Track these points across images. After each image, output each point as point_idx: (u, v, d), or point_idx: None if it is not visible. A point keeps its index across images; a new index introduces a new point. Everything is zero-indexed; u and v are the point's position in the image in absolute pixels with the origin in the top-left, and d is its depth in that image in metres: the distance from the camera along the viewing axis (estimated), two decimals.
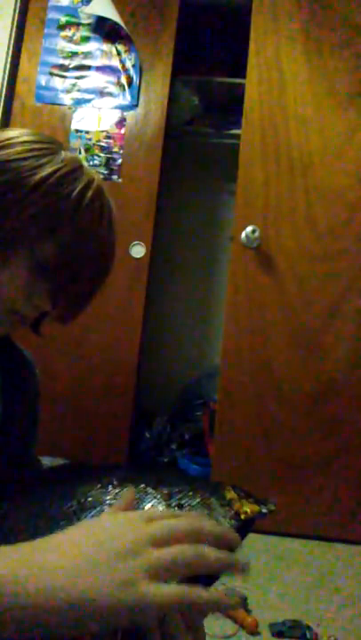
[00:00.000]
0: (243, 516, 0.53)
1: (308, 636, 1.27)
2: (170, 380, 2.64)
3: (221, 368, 1.99)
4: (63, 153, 0.67)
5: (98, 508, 0.51)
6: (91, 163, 2.13)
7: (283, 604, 1.43)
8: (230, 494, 0.55)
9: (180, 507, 0.52)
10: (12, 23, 2.17)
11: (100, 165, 2.13)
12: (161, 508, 0.51)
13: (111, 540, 0.41)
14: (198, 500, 0.53)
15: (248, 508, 0.54)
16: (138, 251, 2.08)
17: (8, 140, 0.65)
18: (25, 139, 0.66)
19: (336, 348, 1.94)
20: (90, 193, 0.66)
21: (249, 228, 1.93)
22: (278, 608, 1.40)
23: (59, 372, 2.02)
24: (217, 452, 1.96)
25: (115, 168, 2.14)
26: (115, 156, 2.14)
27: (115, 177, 2.13)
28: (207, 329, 2.69)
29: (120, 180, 2.13)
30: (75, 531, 0.44)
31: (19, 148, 0.65)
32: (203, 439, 2.28)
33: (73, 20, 2.20)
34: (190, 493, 0.53)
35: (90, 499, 0.52)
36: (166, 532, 0.43)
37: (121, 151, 2.14)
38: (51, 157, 0.65)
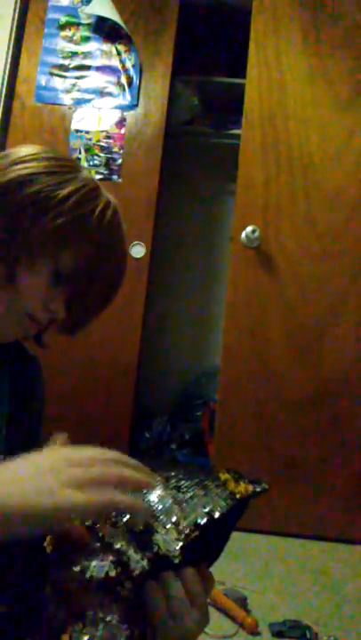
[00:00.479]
0: (238, 496, 0.54)
1: (308, 635, 1.27)
2: (170, 380, 2.64)
3: (221, 368, 1.99)
4: (84, 172, 0.73)
5: None
6: (91, 163, 2.13)
7: (283, 604, 1.43)
8: (225, 476, 0.57)
9: (178, 488, 0.53)
10: (12, 23, 2.17)
11: (100, 165, 2.13)
12: (159, 491, 0.53)
13: (36, 462, 0.48)
14: (195, 481, 0.55)
15: (242, 488, 0.56)
16: (138, 251, 2.08)
17: (31, 154, 0.70)
18: (47, 155, 0.71)
19: (336, 347, 1.94)
20: (109, 212, 0.72)
21: (249, 228, 1.93)
22: (278, 608, 1.40)
23: (59, 371, 2.02)
24: (217, 452, 1.96)
25: (115, 168, 2.14)
26: (115, 156, 2.14)
27: (115, 177, 2.13)
28: (207, 329, 2.69)
29: (120, 180, 2.13)
30: (11, 460, 0.50)
31: (44, 163, 0.69)
32: (203, 439, 2.28)
33: (73, 19, 2.20)
34: (186, 476, 0.55)
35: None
36: (85, 457, 0.50)
37: (121, 151, 2.14)
38: (74, 175, 0.70)
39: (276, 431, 1.92)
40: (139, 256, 2.08)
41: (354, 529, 1.88)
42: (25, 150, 0.71)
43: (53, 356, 1.94)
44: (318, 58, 2.03)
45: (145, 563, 0.48)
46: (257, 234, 1.93)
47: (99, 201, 0.71)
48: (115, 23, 2.13)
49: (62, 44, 2.20)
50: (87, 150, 2.14)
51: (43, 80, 2.19)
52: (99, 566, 0.47)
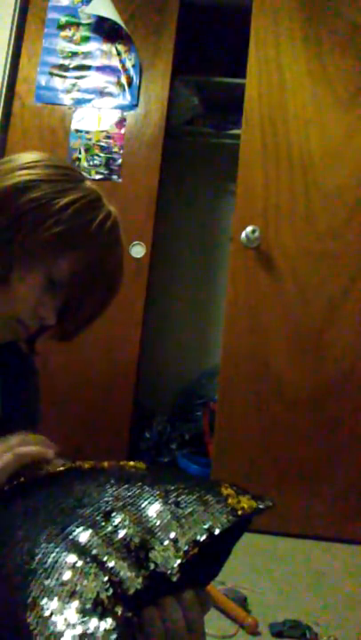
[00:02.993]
0: (240, 512, 0.52)
1: (308, 635, 1.27)
2: (170, 380, 2.64)
3: (221, 368, 1.99)
4: (87, 182, 0.73)
5: (95, 506, 0.51)
6: (91, 163, 2.13)
7: (283, 604, 1.43)
8: (227, 491, 0.54)
9: (177, 504, 0.51)
10: (12, 23, 2.17)
11: (100, 165, 2.13)
12: (158, 505, 0.51)
13: None
14: (195, 496, 0.52)
15: (245, 504, 0.53)
16: (138, 251, 2.08)
17: (35, 161, 0.70)
18: (50, 163, 0.71)
19: (336, 347, 1.94)
20: (109, 223, 0.71)
21: (249, 228, 1.93)
22: (278, 608, 1.40)
23: (59, 371, 2.02)
24: (217, 452, 1.96)
25: (115, 168, 2.14)
26: (115, 156, 2.14)
27: (115, 177, 2.13)
28: (207, 329, 2.69)
29: (120, 180, 2.13)
30: None
31: (47, 171, 0.69)
32: (203, 439, 2.28)
33: (73, 19, 2.20)
34: (187, 490, 0.53)
35: (87, 497, 0.52)
36: None
37: (121, 151, 2.14)
38: (76, 184, 0.71)
39: (276, 431, 1.92)
40: (139, 256, 2.08)
41: (353, 529, 1.88)
42: (29, 157, 0.71)
43: (53, 356, 1.94)
44: (318, 58, 2.03)
45: (140, 581, 0.45)
46: (257, 234, 1.93)
47: (99, 212, 0.71)
48: (115, 23, 2.13)
49: (62, 44, 2.20)
50: (87, 150, 2.14)
51: (43, 80, 2.19)
52: (89, 586, 0.44)
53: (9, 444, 0.57)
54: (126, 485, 0.53)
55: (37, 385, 0.84)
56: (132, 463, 0.58)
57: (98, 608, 0.43)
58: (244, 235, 1.95)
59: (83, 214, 0.69)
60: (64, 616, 0.42)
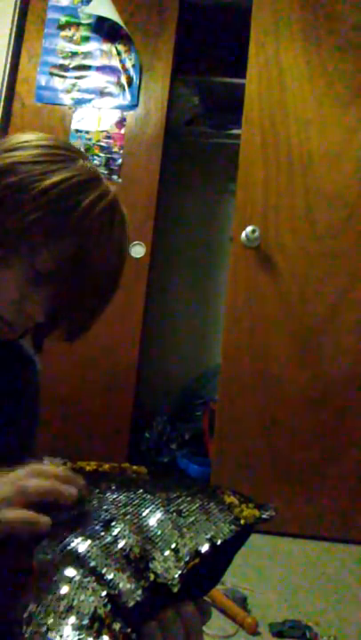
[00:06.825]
0: (242, 521, 0.51)
1: (308, 635, 1.27)
2: (170, 380, 2.64)
3: (221, 368, 1.99)
4: (81, 161, 0.65)
5: (95, 514, 0.50)
6: None
7: (283, 604, 1.43)
8: (230, 499, 0.54)
9: (179, 512, 0.51)
10: (12, 23, 2.17)
11: (100, 165, 2.13)
12: (159, 514, 0.50)
13: None
14: (197, 505, 0.52)
15: (248, 513, 0.52)
16: (138, 251, 2.08)
17: (24, 142, 0.64)
18: (41, 143, 0.64)
19: (336, 347, 1.94)
20: (100, 205, 0.63)
21: (249, 228, 1.93)
22: (278, 608, 1.40)
23: (59, 372, 2.02)
24: (217, 452, 1.96)
25: (115, 168, 2.14)
26: (115, 156, 2.14)
27: (115, 177, 2.13)
28: (207, 329, 2.69)
29: (120, 180, 2.13)
30: None
31: (33, 152, 0.63)
32: (203, 439, 2.28)
33: (73, 20, 2.20)
34: (189, 499, 0.52)
35: (88, 505, 0.52)
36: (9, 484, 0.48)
37: (121, 151, 2.14)
38: (65, 164, 0.63)
39: (276, 431, 1.93)
40: (139, 256, 2.08)
41: (354, 529, 1.88)
42: (21, 137, 0.65)
43: (54, 357, 1.95)
44: (318, 58, 2.03)
45: (140, 592, 0.45)
46: (257, 234, 1.93)
47: (90, 193, 0.62)
48: (115, 23, 2.13)
49: (62, 44, 2.20)
50: (87, 150, 2.14)
51: (43, 80, 2.19)
52: (87, 601, 0.43)
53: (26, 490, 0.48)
54: (127, 492, 0.53)
55: (38, 386, 0.82)
56: (134, 467, 0.58)
57: (95, 624, 0.42)
58: (244, 235, 1.95)
59: (68, 197, 0.61)
60: (60, 632, 0.41)
